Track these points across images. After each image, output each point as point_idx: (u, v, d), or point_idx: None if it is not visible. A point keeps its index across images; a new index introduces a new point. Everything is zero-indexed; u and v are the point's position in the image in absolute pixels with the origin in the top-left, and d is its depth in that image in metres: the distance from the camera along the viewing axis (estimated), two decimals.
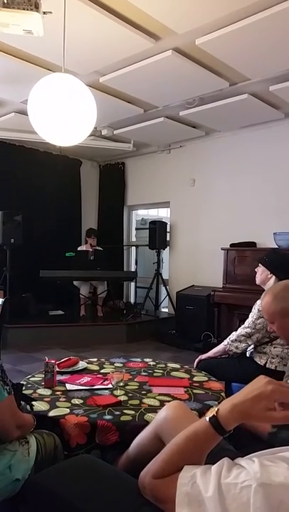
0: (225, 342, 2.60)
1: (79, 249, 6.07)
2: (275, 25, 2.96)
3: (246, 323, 2.53)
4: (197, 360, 2.69)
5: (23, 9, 2.03)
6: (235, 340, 2.53)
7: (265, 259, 2.63)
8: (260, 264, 2.65)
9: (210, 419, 0.92)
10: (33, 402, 1.73)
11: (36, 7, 2.05)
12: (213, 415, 0.91)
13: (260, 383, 0.91)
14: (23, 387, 1.72)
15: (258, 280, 2.66)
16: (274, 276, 2.56)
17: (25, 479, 1.29)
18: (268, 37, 3.11)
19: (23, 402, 1.61)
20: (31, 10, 2.04)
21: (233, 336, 2.56)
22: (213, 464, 0.89)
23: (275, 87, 4.03)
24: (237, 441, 1.71)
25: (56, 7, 2.46)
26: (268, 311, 1.78)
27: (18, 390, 1.44)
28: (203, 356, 2.69)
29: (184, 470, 0.89)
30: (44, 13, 2.13)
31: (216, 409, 0.93)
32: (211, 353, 2.67)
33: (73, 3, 2.68)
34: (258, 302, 2.54)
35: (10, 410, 1.30)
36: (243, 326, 2.54)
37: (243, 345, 2.50)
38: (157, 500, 0.93)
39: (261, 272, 2.63)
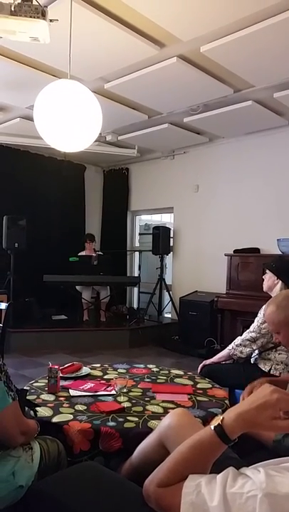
0: (229, 347, 2.59)
1: (79, 254, 6.06)
2: (279, 33, 2.97)
3: (251, 328, 2.52)
4: (201, 365, 2.68)
5: (30, 17, 2.05)
6: (240, 344, 2.52)
7: (273, 266, 2.63)
8: (267, 271, 2.65)
9: (215, 427, 0.91)
10: (37, 408, 1.73)
11: (43, 15, 2.07)
12: (219, 424, 0.91)
13: (265, 392, 0.91)
14: (27, 393, 1.72)
15: (265, 287, 2.66)
16: (280, 282, 2.56)
17: (29, 486, 1.28)
18: (272, 44, 3.13)
19: (27, 408, 1.60)
20: (38, 18, 2.05)
21: (238, 340, 2.55)
22: (218, 472, 0.88)
23: (280, 94, 4.04)
24: (241, 449, 1.69)
25: (62, 15, 2.50)
26: (273, 321, 1.76)
27: (22, 395, 1.43)
28: (208, 361, 2.68)
29: (188, 479, 0.88)
30: (51, 20, 2.15)
31: (221, 417, 0.92)
32: (215, 359, 2.66)
33: (79, 10, 2.71)
34: (264, 307, 2.53)
35: (14, 416, 1.29)
36: (248, 331, 2.54)
37: (248, 349, 2.49)
38: (162, 508, 0.93)
39: (268, 279, 2.63)
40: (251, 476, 0.83)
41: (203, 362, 2.70)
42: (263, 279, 2.69)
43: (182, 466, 0.92)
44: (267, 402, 0.88)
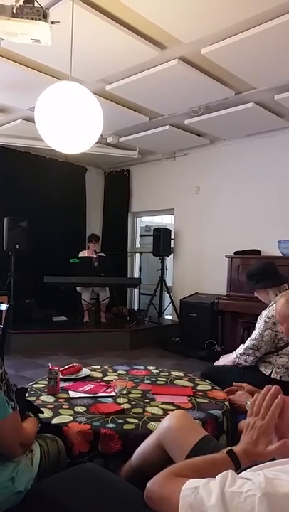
0: (234, 355, 2.58)
1: (80, 254, 6.06)
2: (280, 35, 2.97)
3: (253, 336, 2.50)
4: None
5: (32, 19, 2.05)
6: (244, 353, 2.50)
7: (252, 283, 2.67)
8: (256, 290, 2.68)
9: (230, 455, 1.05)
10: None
11: (44, 17, 2.07)
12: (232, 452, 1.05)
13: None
14: (27, 393, 1.71)
15: (266, 302, 2.66)
16: (269, 290, 2.60)
17: (28, 490, 1.27)
18: (273, 46, 3.13)
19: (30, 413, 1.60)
20: (39, 20, 2.06)
21: (241, 349, 2.54)
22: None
23: (280, 96, 4.05)
24: None
25: (64, 17, 2.50)
26: (280, 313, 2.00)
27: (22, 394, 1.41)
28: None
29: (187, 483, 0.89)
30: (52, 22, 2.15)
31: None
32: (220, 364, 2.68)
33: (81, 12, 2.71)
34: (264, 313, 2.52)
35: (14, 427, 1.24)
36: (250, 339, 2.51)
37: (252, 358, 2.48)
38: (163, 502, 0.92)
39: (260, 295, 2.67)
40: (251, 477, 0.83)
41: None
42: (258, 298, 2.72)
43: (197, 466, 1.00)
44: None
